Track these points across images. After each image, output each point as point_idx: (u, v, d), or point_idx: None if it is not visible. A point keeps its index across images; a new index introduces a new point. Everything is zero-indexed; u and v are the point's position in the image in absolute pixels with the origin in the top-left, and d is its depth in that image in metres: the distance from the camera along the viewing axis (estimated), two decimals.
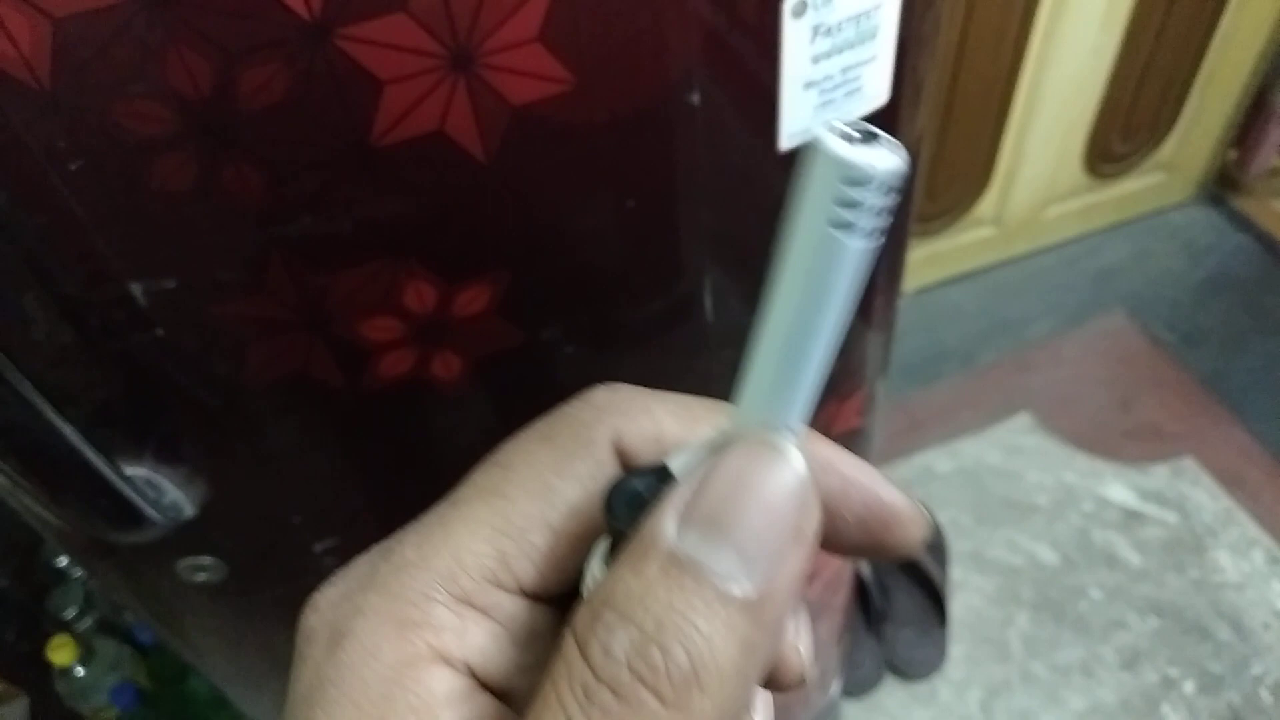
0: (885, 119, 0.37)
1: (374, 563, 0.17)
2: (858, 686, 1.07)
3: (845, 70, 0.34)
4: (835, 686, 0.92)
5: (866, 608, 1.11)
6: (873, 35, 0.34)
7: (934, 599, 1.10)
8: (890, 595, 1.12)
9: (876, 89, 0.35)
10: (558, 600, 0.18)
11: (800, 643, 0.19)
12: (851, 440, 0.55)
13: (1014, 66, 1.19)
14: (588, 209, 0.33)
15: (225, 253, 0.28)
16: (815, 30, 0.32)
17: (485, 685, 0.17)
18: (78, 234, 0.27)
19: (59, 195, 0.25)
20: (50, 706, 0.75)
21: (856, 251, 0.14)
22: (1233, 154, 1.52)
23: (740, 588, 0.14)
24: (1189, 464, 1.25)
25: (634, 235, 0.34)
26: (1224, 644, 1.09)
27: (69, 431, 0.30)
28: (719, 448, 0.16)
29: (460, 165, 0.29)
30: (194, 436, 0.34)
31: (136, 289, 0.28)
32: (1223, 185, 1.56)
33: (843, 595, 0.74)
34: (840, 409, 0.51)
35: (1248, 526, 1.18)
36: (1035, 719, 1.05)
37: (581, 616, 0.15)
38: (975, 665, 1.09)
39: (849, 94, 0.34)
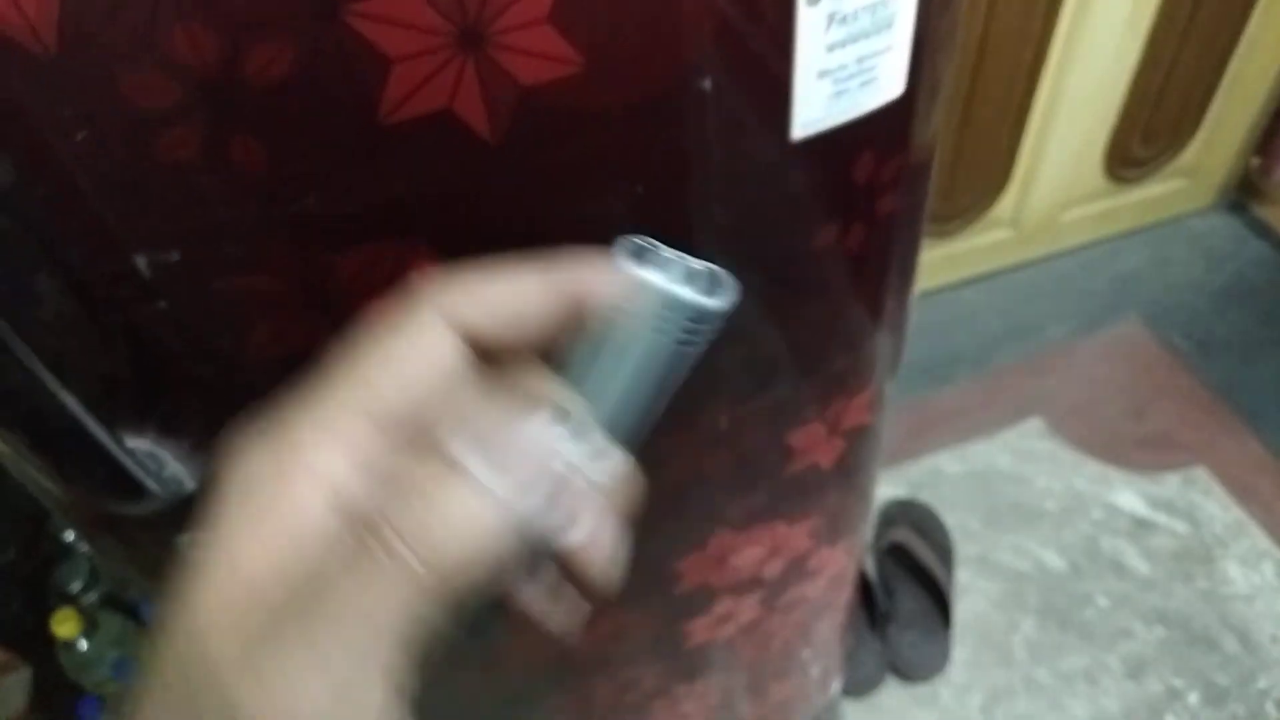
0: (901, 112, 0.36)
1: (274, 421, 0.22)
2: (859, 686, 1.07)
3: (860, 60, 0.33)
4: (836, 685, 0.92)
5: (870, 607, 1.10)
6: (889, 25, 0.33)
7: (939, 601, 1.09)
8: (895, 596, 1.11)
9: (892, 80, 0.35)
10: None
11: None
12: (860, 437, 0.54)
13: (1035, 68, 1.18)
14: (596, 194, 0.32)
15: (230, 227, 0.28)
16: (830, 18, 0.31)
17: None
18: (83, 205, 0.27)
19: (64, 165, 0.25)
20: (53, 679, 0.75)
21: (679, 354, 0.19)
22: (1255, 161, 1.50)
23: (490, 493, 0.19)
24: (1201, 474, 1.24)
25: (643, 222, 0.34)
26: (1231, 656, 1.08)
27: (72, 403, 0.30)
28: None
29: (468, 146, 0.28)
30: (196, 411, 0.34)
31: (141, 261, 0.28)
32: (1244, 193, 1.54)
33: (846, 593, 0.74)
34: (849, 405, 0.51)
35: (1258, 538, 1.17)
36: None
37: (375, 500, 0.19)
38: (978, 669, 1.08)
39: (864, 84, 0.34)
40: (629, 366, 0.18)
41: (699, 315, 0.16)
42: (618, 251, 0.17)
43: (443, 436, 0.19)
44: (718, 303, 0.16)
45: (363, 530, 0.18)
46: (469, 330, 0.22)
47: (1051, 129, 1.27)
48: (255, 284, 0.30)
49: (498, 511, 0.19)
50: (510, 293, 0.23)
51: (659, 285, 0.16)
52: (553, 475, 0.20)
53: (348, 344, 0.23)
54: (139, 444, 0.33)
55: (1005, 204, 1.36)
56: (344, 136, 0.27)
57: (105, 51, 0.24)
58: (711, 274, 0.17)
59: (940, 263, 1.39)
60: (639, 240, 0.17)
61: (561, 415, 0.20)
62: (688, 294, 0.16)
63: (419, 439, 0.20)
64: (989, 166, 1.29)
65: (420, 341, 0.22)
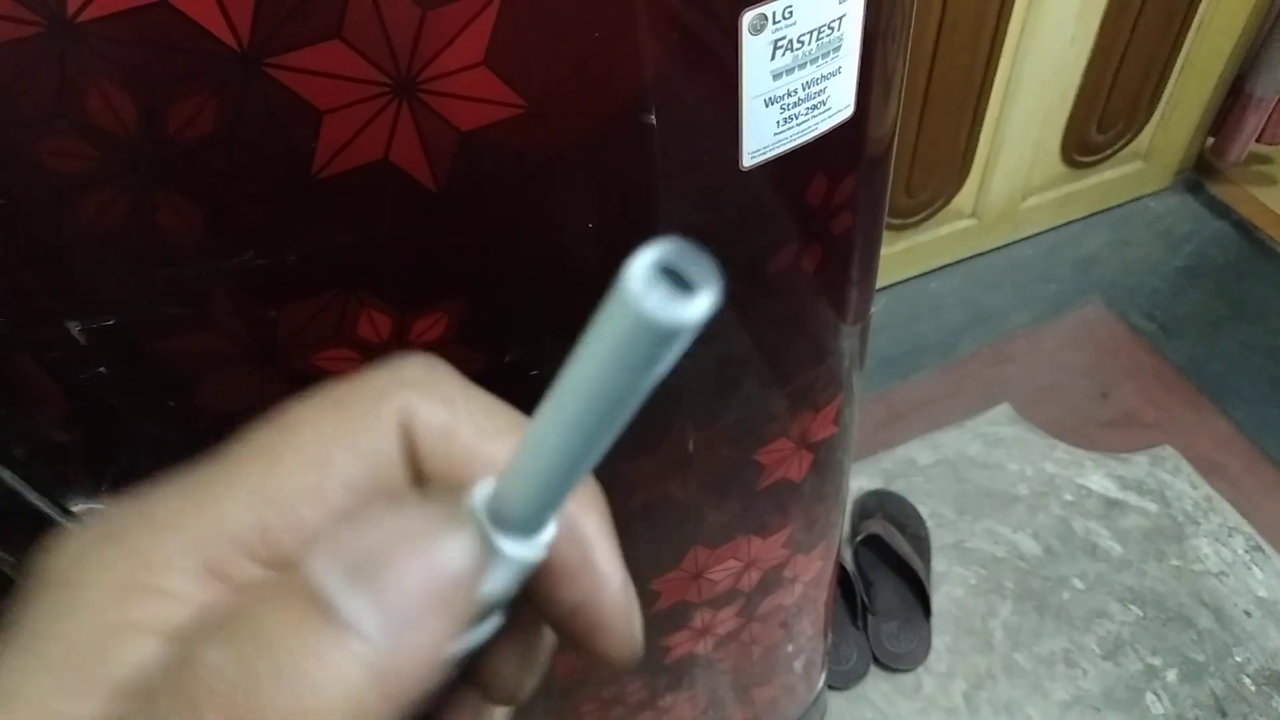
0: (852, 132, 0.36)
1: (126, 514, 0.15)
2: (843, 679, 1.07)
3: (808, 85, 0.33)
4: (820, 680, 0.92)
5: (850, 600, 1.11)
6: (836, 48, 0.33)
7: (917, 591, 1.10)
8: (873, 588, 1.12)
9: (842, 102, 0.35)
10: None
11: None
12: (829, 447, 0.54)
13: (990, 58, 1.18)
14: (546, 233, 0.32)
15: (166, 289, 0.27)
16: (775, 46, 0.31)
17: None
18: (6, 274, 0.25)
19: None
20: None
21: (648, 380, 0.13)
22: (1210, 141, 1.52)
23: (365, 642, 0.13)
24: (1169, 452, 1.25)
25: (596, 255, 0.33)
26: (1206, 632, 1.10)
27: (8, 476, 0.29)
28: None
29: (409, 194, 0.28)
30: (152, 469, 0.33)
31: (74, 327, 0.27)
32: (1200, 172, 1.56)
33: (824, 593, 0.74)
34: (816, 417, 0.51)
35: (1228, 514, 1.19)
36: (1019, 710, 1.05)
37: (189, 626, 0.14)
38: (959, 656, 1.09)
39: (812, 109, 0.34)
40: (586, 401, 0.14)
41: (679, 332, 0.12)
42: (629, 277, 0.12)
43: (311, 560, 0.13)
44: (699, 309, 0.12)
45: (179, 697, 0.13)
46: (410, 439, 0.17)
47: (1008, 118, 1.27)
48: (197, 342, 0.29)
49: (371, 672, 0.13)
50: (474, 439, 0.17)
51: (641, 309, 0.12)
52: (456, 600, 0.14)
53: (291, 410, 0.17)
54: (94, 508, 0.32)
55: (966, 194, 1.36)
56: (279, 191, 0.26)
57: (15, 118, 0.22)
58: (685, 261, 0.12)
59: (903, 255, 1.40)
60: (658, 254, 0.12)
61: (482, 518, 0.16)
62: (667, 311, 0.12)
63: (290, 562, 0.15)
64: (948, 158, 1.29)
65: (362, 434, 0.16)
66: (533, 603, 0.17)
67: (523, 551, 0.16)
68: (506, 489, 0.15)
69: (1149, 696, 1.06)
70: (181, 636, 0.14)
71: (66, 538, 0.15)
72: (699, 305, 0.12)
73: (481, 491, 0.16)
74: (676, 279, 0.12)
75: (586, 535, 0.17)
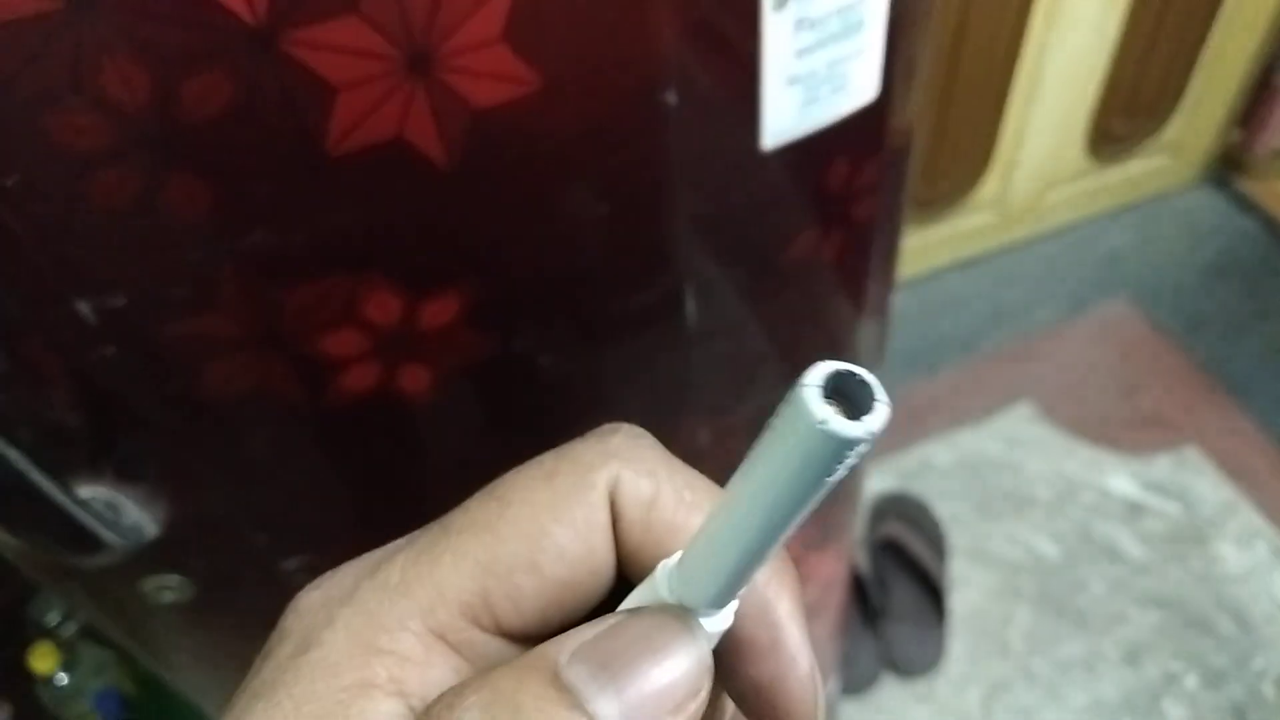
0: (875, 115, 0.35)
1: (359, 576, 0.17)
2: (855, 684, 1.06)
3: (831, 65, 0.32)
4: (833, 684, 0.91)
5: (864, 604, 1.10)
6: (859, 28, 0.32)
7: (933, 594, 1.09)
8: (889, 591, 1.11)
9: (864, 84, 0.34)
10: (535, 642, 0.17)
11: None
12: None
13: (1014, 48, 1.17)
14: (559, 214, 0.31)
15: (174, 268, 0.27)
16: (798, 24, 0.30)
17: None
18: (17, 252, 0.25)
19: None
20: (33, 715, 0.74)
21: (829, 486, 0.14)
22: (1237, 135, 1.50)
23: None
24: (1192, 453, 1.23)
25: (610, 239, 0.33)
26: (1227, 638, 1.08)
27: (15, 456, 0.28)
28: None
29: (421, 172, 0.27)
30: (155, 454, 0.33)
31: (84, 307, 0.27)
32: (1227, 167, 1.54)
33: (838, 595, 0.73)
34: None
35: (1251, 517, 1.17)
36: (1036, 716, 1.04)
37: (449, 695, 0.15)
38: (975, 662, 1.08)
39: (835, 90, 0.33)
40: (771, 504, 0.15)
41: (856, 444, 0.13)
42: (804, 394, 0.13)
43: (557, 655, 0.15)
44: (875, 425, 0.13)
45: None
46: (615, 508, 0.17)
47: (1033, 109, 1.26)
48: (205, 325, 0.28)
49: None
50: (674, 510, 0.18)
51: (830, 429, 0.13)
52: (687, 706, 0.15)
53: (506, 483, 0.18)
54: (96, 492, 0.32)
55: (988, 187, 1.35)
56: (291, 169, 0.26)
57: (31, 93, 0.22)
58: (862, 383, 0.13)
59: (923, 248, 1.38)
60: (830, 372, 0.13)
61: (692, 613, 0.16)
62: (852, 429, 0.13)
63: (529, 651, 0.16)
64: (971, 149, 1.28)
65: (574, 506, 0.17)
66: (718, 674, 0.18)
67: (710, 625, 0.16)
68: (694, 565, 0.16)
69: (1168, 702, 1.04)
70: (439, 703, 0.15)
71: (303, 596, 0.17)
72: (877, 419, 0.13)
73: (668, 565, 0.17)
74: (848, 389, 0.13)
75: (779, 618, 0.18)
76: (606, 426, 0.19)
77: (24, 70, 0.22)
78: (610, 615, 0.16)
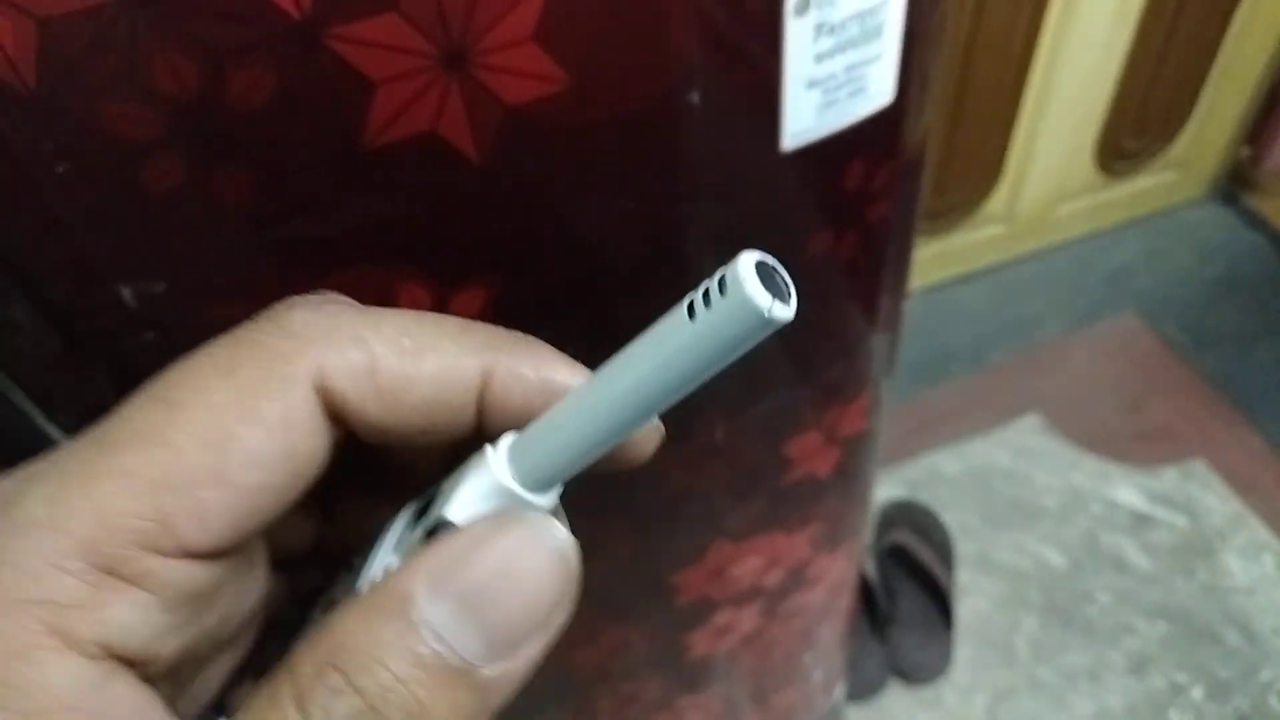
0: (891, 118, 0.36)
1: None
2: (862, 690, 1.06)
3: (849, 69, 0.33)
4: (839, 690, 0.91)
5: (871, 610, 1.10)
6: (878, 33, 0.33)
7: (940, 602, 1.09)
8: (895, 598, 1.11)
9: (881, 88, 0.35)
10: (231, 557, 0.15)
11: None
12: (857, 443, 0.54)
13: (1025, 62, 1.18)
14: (585, 210, 0.32)
15: (215, 255, 0.28)
16: (818, 28, 0.31)
17: (129, 659, 0.14)
18: (66, 237, 0.26)
19: (45, 198, 0.25)
20: None
21: (721, 366, 0.14)
22: (1246, 151, 1.51)
23: (479, 673, 0.14)
24: (1199, 467, 1.24)
25: (633, 236, 0.34)
26: (1233, 650, 1.08)
27: (58, 436, 0.29)
28: (493, 494, 0.16)
29: (453, 166, 0.28)
30: None
31: (126, 292, 0.28)
32: (1235, 183, 1.54)
33: (847, 598, 0.74)
34: (845, 412, 0.51)
35: (1258, 530, 1.17)
36: None
37: (305, 662, 0.14)
38: (981, 669, 1.08)
39: (853, 94, 0.34)
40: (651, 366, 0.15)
41: (775, 326, 0.14)
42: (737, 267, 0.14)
43: (411, 592, 0.14)
44: (791, 311, 0.14)
45: None
46: (330, 395, 0.15)
47: (1042, 123, 1.27)
48: (242, 311, 0.29)
49: (481, 694, 0.14)
50: (403, 367, 0.16)
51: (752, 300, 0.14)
52: (553, 623, 0.15)
53: (173, 382, 0.15)
54: None
55: (997, 199, 1.36)
56: (328, 161, 0.27)
57: (85, 83, 0.23)
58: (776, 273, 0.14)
59: (932, 260, 1.39)
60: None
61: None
62: (786, 313, 0.14)
63: (373, 590, 0.14)
64: (980, 162, 1.29)
65: (264, 402, 0.15)
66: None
67: (542, 502, 0.16)
68: (551, 447, 0.16)
69: (1173, 713, 1.04)
70: (281, 677, 0.14)
71: None
72: (791, 307, 0.14)
73: (504, 447, 0.16)
74: (767, 282, 0.14)
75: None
76: (280, 305, 0.17)
77: (80, 61, 0.23)
78: (455, 537, 0.15)
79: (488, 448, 0.17)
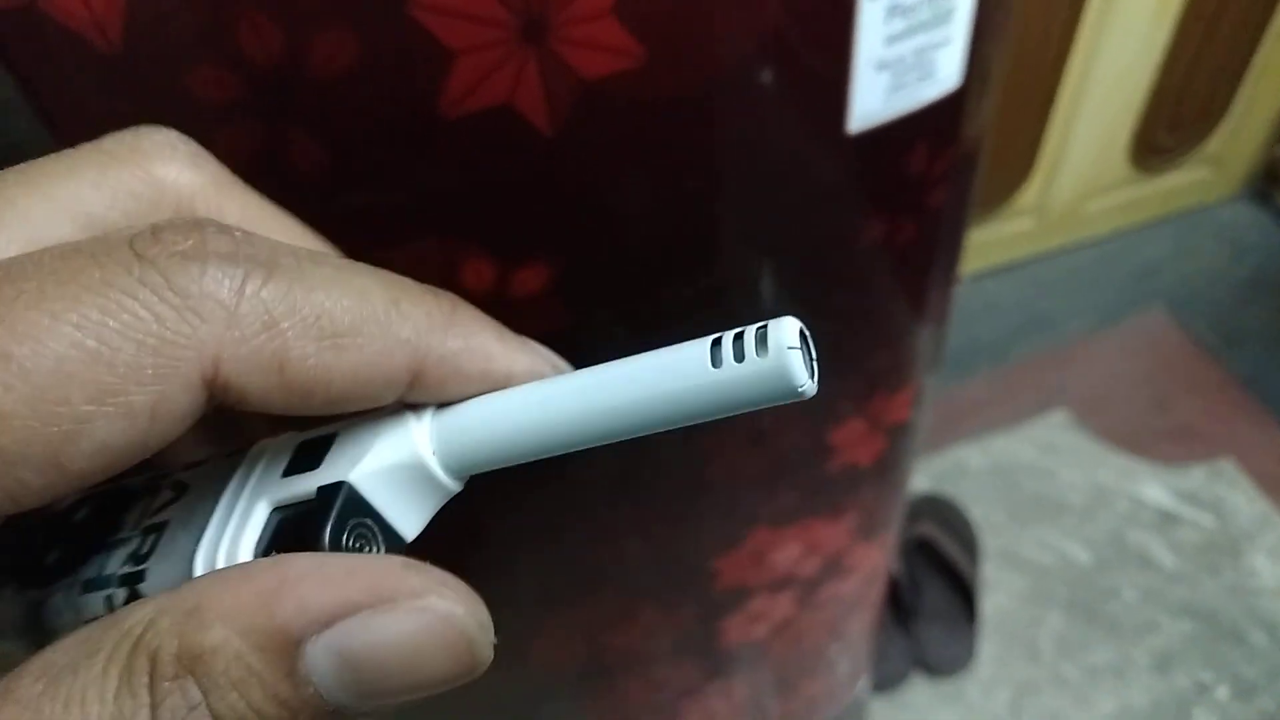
0: (955, 104, 0.36)
1: None
2: (884, 682, 1.06)
3: (919, 53, 0.33)
4: (863, 683, 0.91)
5: (896, 603, 1.10)
6: (948, 18, 0.33)
7: (964, 596, 1.09)
8: (920, 591, 1.11)
9: (949, 72, 0.34)
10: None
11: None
12: (900, 433, 0.54)
13: (1061, 55, 1.17)
14: (649, 187, 0.32)
15: None
16: (890, 10, 0.31)
17: None
18: None
19: None
20: None
21: (716, 415, 0.14)
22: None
23: (341, 714, 0.13)
24: (1227, 466, 1.22)
25: (692, 217, 0.34)
26: (1259, 649, 1.07)
27: None
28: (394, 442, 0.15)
29: (525, 140, 0.28)
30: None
31: None
32: (1270, 182, 1.52)
33: (878, 589, 0.74)
34: (889, 402, 0.50)
35: None
36: None
37: (164, 648, 0.12)
38: (1004, 664, 1.08)
39: (921, 78, 0.33)
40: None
41: (798, 395, 0.14)
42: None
43: (297, 631, 0.13)
44: (814, 388, 0.14)
45: None
46: (252, 404, 0.14)
47: (1077, 117, 1.25)
48: None
49: None
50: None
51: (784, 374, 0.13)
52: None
53: None
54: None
55: (1029, 193, 1.34)
56: (403, 131, 0.27)
57: (170, 46, 0.23)
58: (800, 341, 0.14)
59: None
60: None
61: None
62: (812, 389, 0.13)
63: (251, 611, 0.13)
64: (1013, 155, 1.28)
65: (147, 410, 0.13)
66: None
67: (454, 487, 0.16)
68: (476, 431, 0.15)
69: (1197, 712, 1.03)
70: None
71: None
72: (816, 382, 0.13)
73: (429, 416, 0.16)
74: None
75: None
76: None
77: (167, 22, 0.23)
78: (356, 583, 0.13)
79: (409, 416, 0.15)
